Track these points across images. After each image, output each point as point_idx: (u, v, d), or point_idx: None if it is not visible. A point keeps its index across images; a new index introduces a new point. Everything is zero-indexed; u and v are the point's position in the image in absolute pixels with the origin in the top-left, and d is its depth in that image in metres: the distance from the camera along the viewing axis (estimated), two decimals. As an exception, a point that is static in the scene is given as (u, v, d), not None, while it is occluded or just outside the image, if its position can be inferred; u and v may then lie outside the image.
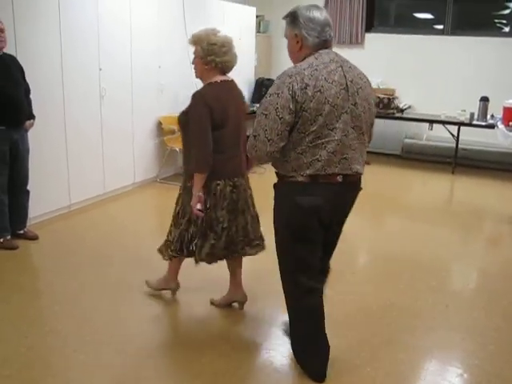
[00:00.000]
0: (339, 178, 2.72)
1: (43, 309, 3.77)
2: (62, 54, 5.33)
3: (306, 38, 2.71)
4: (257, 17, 9.05)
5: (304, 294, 2.95)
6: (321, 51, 2.72)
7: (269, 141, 2.63)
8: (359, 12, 9.35)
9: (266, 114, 2.63)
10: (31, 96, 4.75)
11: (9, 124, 4.50)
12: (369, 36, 9.52)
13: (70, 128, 5.54)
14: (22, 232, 4.90)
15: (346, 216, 3.01)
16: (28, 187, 4.85)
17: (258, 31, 9.32)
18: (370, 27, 9.57)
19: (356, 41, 9.49)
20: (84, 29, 5.58)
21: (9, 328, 3.45)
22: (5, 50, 4.46)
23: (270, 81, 9.02)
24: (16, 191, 4.75)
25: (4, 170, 4.58)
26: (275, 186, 2.89)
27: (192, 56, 3.39)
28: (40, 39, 5.06)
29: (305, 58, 2.72)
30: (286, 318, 3.20)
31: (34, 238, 4.91)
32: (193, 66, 3.38)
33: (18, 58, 4.64)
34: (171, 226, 3.57)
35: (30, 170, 4.83)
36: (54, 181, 5.41)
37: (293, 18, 2.75)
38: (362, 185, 2.93)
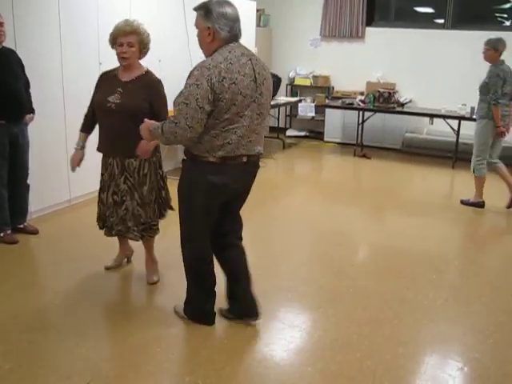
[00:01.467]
0: (244, 159, 3.07)
1: (44, 303, 3.77)
2: (62, 47, 5.31)
3: (219, 32, 2.93)
4: (257, 11, 9.03)
5: (199, 258, 3.36)
6: (232, 45, 2.97)
7: (189, 128, 2.87)
8: (359, 6, 9.34)
9: (186, 103, 2.84)
10: (31, 90, 4.74)
11: (9, 118, 4.49)
12: (369, 30, 9.51)
13: (69, 122, 5.52)
14: (22, 226, 4.90)
15: (248, 190, 3.34)
16: (28, 181, 4.85)
17: (258, 25, 9.31)
18: (370, 21, 9.55)
19: (356, 35, 9.48)
20: (84, 23, 5.56)
21: (10, 322, 3.46)
22: (4, 44, 4.44)
23: (271, 75, 8.99)
24: (16, 185, 4.75)
25: (4, 164, 4.57)
26: (184, 162, 3.17)
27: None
28: (40, 33, 5.05)
29: (216, 50, 2.95)
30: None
31: (35, 232, 4.91)
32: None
33: (18, 52, 4.62)
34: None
35: (29, 164, 4.82)
36: (54, 175, 5.41)
37: (206, 11, 2.94)
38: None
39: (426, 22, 9.31)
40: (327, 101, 9.48)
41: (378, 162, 8.41)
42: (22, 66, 4.62)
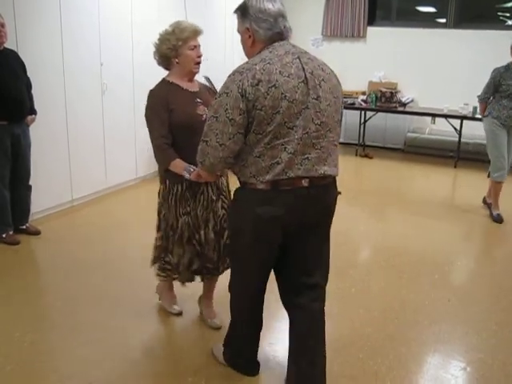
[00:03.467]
0: (304, 182, 2.43)
1: (45, 304, 3.77)
2: (63, 48, 5.31)
3: (257, 32, 2.48)
4: (258, 11, 9.01)
5: (241, 309, 2.87)
6: (275, 44, 2.48)
7: (221, 146, 2.38)
8: (361, 5, 9.32)
9: (216, 117, 2.38)
10: (32, 91, 4.74)
11: (10, 119, 4.50)
12: (371, 30, 9.49)
13: (71, 123, 5.53)
14: (24, 227, 4.90)
15: (324, 223, 2.67)
16: (30, 182, 4.86)
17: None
18: (372, 21, 9.54)
19: (358, 34, 9.46)
20: (85, 23, 5.56)
21: (11, 323, 3.46)
22: (6, 45, 4.45)
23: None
24: (18, 186, 4.75)
25: (6, 164, 4.58)
26: (235, 191, 2.61)
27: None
28: (41, 34, 5.05)
29: (259, 53, 2.47)
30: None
31: (36, 233, 4.92)
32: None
33: (19, 53, 4.63)
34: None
35: (31, 165, 4.82)
36: (56, 176, 5.41)
37: (243, 10, 2.52)
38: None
39: (427, 21, 9.29)
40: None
41: (380, 162, 8.41)
42: (24, 67, 4.63)
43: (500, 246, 5.21)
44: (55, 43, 5.23)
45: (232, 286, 2.82)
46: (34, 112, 4.77)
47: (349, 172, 8.08)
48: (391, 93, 8.53)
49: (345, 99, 9.00)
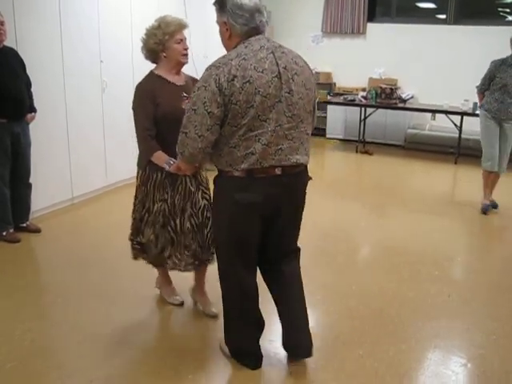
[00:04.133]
0: (278, 171, 2.61)
1: (46, 302, 3.78)
2: (63, 46, 5.31)
3: (234, 26, 2.58)
4: (258, 8, 9.00)
5: (237, 289, 2.91)
6: (251, 38, 2.59)
7: (199, 137, 2.51)
8: (361, 2, 9.32)
9: (194, 109, 2.51)
10: (32, 89, 4.74)
11: (10, 117, 4.50)
12: (371, 26, 9.48)
13: (71, 121, 5.53)
14: (24, 225, 4.91)
15: (296, 207, 2.87)
16: (30, 180, 4.86)
17: (259, 22, 9.28)
18: (371, 17, 9.53)
19: (358, 31, 9.46)
20: (85, 21, 5.56)
21: (12, 321, 3.46)
22: (5, 43, 4.44)
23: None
24: (18, 184, 4.76)
25: (6, 163, 4.58)
26: (214, 179, 2.77)
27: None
28: (40, 32, 5.05)
29: (236, 46, 2.59)
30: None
31: (37, 231, 4.92)
32: None
33: (19, 51, 4.63)
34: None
35: (31, 163, 4.83)
36: (56, 174, 5.41)
37: (221, 4, 2.62)
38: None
39: (427, 17, 9.29)
40: (329, 97, 9.46)
41: (381, 159, 8.40)
42: (23, 65, 4.62)
43: (501, 242, 5.21)
44: (55, 41, 5.23)
45: (221, 275, 2.92)
46: (33, 110, 4.77)
47: (349, 169, 8.09)
48: (391, 89, 8.53)
49: (345, 95, 9.04)
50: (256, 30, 2.61)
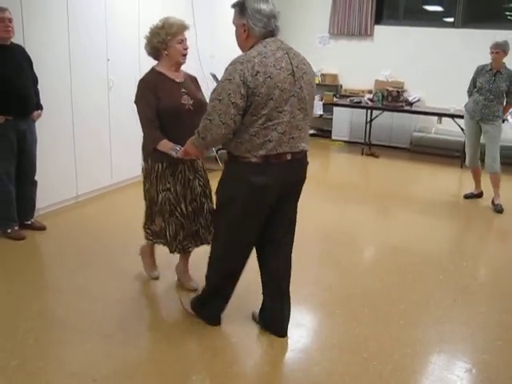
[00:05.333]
0: (288, 156, 2.93)
1: (50, 299, 3.78)
2: (70, 44, 5.31)
3: (253, 29, 2.87)
4: (265, 8, 8.99)
5: (231, 272, 3.26)
6: (267, 40, 2.88)
7: (223, 124, 2.77)
8: (368, 4, 9.30)
9: (219, 99, 2.75)
10: (39, 86, 4.74)
11: (16, 114, 4.50)
12: (378, 28, 9.47)
13: (77, 119, 5.54)
14: (29, 222, 4.91)
15: (299, 190, 3.21)
16: (35, 178, 4.86)
17: (266, 23, 9.27)
18: (379, 19, 9.52)
19: (365, 33, 9.44)
20: (92, 19, 5.56)
21: (16, 318, 3.46)
22: (12, 40, 4.45)
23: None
24: (23, 182, 4.76)
25: (12, 160, 4.58)
26: (227, 163, 3.05)
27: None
28: (48, 29, 5.05)
29: (252, 46, 2.87)
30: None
31: (42, 228, 4.92)
32: None
33: (26, 48, 4.63)
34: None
35: (37, 160, 4.82)
36: (61, 172, 5.41)
37: (241, 8, 2.89)
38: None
39: (435, 20, 9.26)
40: (335, 99, 9.44)
41: (386, 161, 8.38)
42: (30, 62, 4.62)
43: (507, 246, 5.18)
44: (62, 39, 5.23)
45: (217, 253, 3.24)
46: (40, 107, 4.77)
47: (354, 171, 8.07)
48: (398, 92, 8.51)
49: (351, 97, 9.03)
50: (271, 33, 2.91)
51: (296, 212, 3.30)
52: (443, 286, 4.13)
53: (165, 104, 3.42)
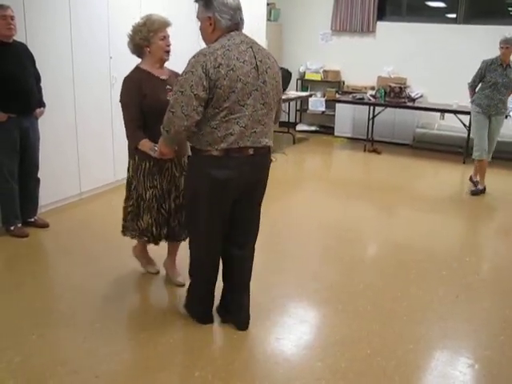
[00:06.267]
0: (251, 151, 2.94)
1: (53, 296, 3.79)
2: (72, 41, 5.31)
3: (220, 21, 2.88)
4: (267, 5, 8.99)
5: (207, 259, 3.25)
6: (232, 33, 2.90)
7: (185, 116, 2.78)
8: (371, 0, 9.28)
9: (181, 91, 2.78)
10: (41, 84, 4.74)
11: (19, 112, 4.50)
12: (380, 24, 9.45)
13: (80, 116, 5.54)
14: (32, 220, 4.91)
15: (260, 188, 3.19)
16: (38, 175, 4.86)
17: (268, 19, 9.26)
18: (381, 16, 9.50)
19: (368, 29, 9.43)
20: (94, 16, 5.56)
21: (20, 315, 3.47)
22: (15, 38, 4.45)
23: (281, 69, 8.94)
24: (26, 179, 4.76)
25: (15, 158, 4.59)
26: (189, 158, 3.11)
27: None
28: (50, 26, 5.05)
29: (217, 39, 2.88)
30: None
31: (45, 226, 4.93)
32: None
33: (28, 46, 4.63)
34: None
35: (40, 158, 4.83)
36: (64, 169, 5.42)
37: (206, 1, 2.91)
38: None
39: (437, 16, 9.24)
40: (338, 95, 9.44)
41: (389, 158, 8.38)
42: (33, 60, 4.63)
43: (510, 243, 5.18)
44: (64, 36, 5.23)
45: (193, 246, 3.27)
46: (42, 105, 4.77)
47: (357, 167, 8.07)
48: (400, 88, 8.50)
49: (354, 94, 9.01)
50: (236, 26, 2.93)
51: (259, 215, 3.29)
52: (446, 283, 4.12)
53: (150, 101, 3.44)
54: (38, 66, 4.68)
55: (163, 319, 3.49)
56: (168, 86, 3.48)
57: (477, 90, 6.52)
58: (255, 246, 3.36)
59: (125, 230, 3.82)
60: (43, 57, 4.88)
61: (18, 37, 4.52)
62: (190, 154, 3.54)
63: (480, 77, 6.42)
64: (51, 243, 4.69)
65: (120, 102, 3.53)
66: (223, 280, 3.39)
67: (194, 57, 2.82)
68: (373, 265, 4.47)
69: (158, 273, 4.08)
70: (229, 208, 3.10)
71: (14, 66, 4.40)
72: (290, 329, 3.42)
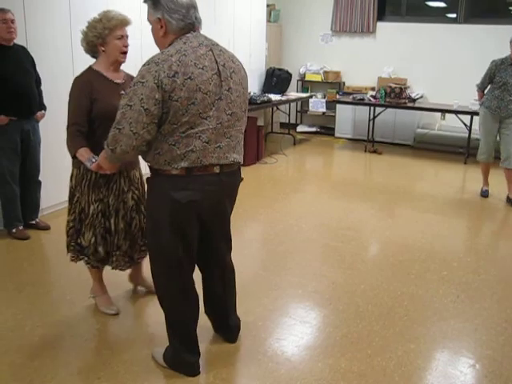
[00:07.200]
0: (216, 169, 2.57)
1: (55, 298, 3.80)
2: (73, 44, 5.32)
3: (170, 22, 2.51)
4: (267, 6, 9.01)
5: (178, 292, 2.82)
6: (188, 35, 2.54)
7: (134, 134, 2.40)
8: (371, 1, 9.29)
9: (130, 105, 2.40)
10: (42, 87, 4.76)
11: (20, 115, 4.52)
12: (380, 25, 9.46)
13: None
14: (33, 222, 4.93)
15: (229, 209, 2.86)
16: (40, 178, 4.88)
17: (268, 21, 9.28)
18: (381, 16, 9.50)
19: (367, 30, 9.43)
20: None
21: (21, 317, 3.48)
22: (15, 41, 4.47)
23: (282, 70, 9.00)
24: (27, 182, 4.78)
25: (16, 160, 4.60)
26: (148, 180, 2.68)
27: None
28: (50, 30, 5.07)
29: (171, 43, 2.52)
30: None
31: (46, 228, 4.95)
32: None
33: (29, 49, 4.65)
34: None
35: (41, 160, 4.85)
36: (65, 172, 5.36)
37: (154, 0, 2.54)
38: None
39: (437, 16, 9.24)
40: (338, 96, 9.45)
41: (390, 158, 8.38)
42: (33, 63, 4.65)
43: (510, 242, 5.18)
44: (64, 39, 5.25)
45: (157, 279, 2.83)
46: (43, 108, 4.79)
47: (358, 168, 8.07)
48: (400, 88, 8.49)
49: (354, 95, 9.01)
50: (192, 26, 2.56)
51: (229, 232, 2.99)
52: (447, 282, 4.13)
53: (100, 106, 3.10)
54: (38, 69, 4.70)
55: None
56: (122, 92, 3.09)
57: (486, 91, 6.29)
58: (232, 256, 3.11)
59: (68, 248, 3.43)
60: (44, 60, 4.90)
61: (19, 40, 4.54)
62: (139, 166, 3.37)
63: (489, 78, 6.15)
64: (52, 245, 4.70)
65: (68, 102, 3.18)
66: (204, 294, 3.12)
67: (144, 65, 2.46)
68: (374, 265, 4.47)
69: (117, 314, 3.55)
70: (195, 235, 2.71)
71: (14, 69, 4.42)
72: (290, 329, 3.42)
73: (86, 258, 3.38)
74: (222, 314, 3.17)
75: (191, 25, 2.55)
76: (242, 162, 2.77)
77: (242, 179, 2.85)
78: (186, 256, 2.71)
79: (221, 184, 2.62)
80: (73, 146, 3.12)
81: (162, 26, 2.54)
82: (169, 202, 2.54)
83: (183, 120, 2.43)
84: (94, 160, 2.98)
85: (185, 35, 2.53)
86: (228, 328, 3.21)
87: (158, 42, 2.62)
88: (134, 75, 3.27)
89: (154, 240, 2.74)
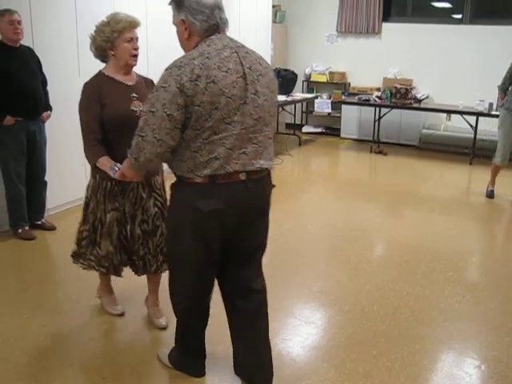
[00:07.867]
0: (242, 176, 2.42)
1: (60, 298, 3.81)
2: (79, 45, 5.33)
3: (194, 24, 2.41)
4: (273, 7, 9.01)
5: (191, 301, 2.76)
6: (213, 37, 2.43)
7: (158, 141, 2.32)
8: (376, 1, 9.28)
9: (153, 112, 2.31)
10: (48, 88, 4.77)
11: (26, 115, 4.54)
12: (386, 26, 9.44)
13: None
14: (39, 223, 4.95)
15: (261, 218, 2.66)
16: (45, 178, 4.90)
17: (274, 21, 9.28)
18: (387, 17, 9.48)
19: (373, 31, 9.42)
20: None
21: (27, 317, 3.49)
22: (22, 42, 4.48)
23: (287, 71, 8.99)
24: (33, 182, 4.80)
25: (22, 161, 4.62)
26: (172, 186, 2.57)
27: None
28: (56, 31, 5.09)
29: (196, 46, 2.42)
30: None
31: (52, 228, 4.96)
32: None
33: (35, 50, 4.67)
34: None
35: (47, 161, 4.86)
36: (71, 172, 5.44)
37: (178, 2, 2.45)
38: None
39: (443, 17, 9.22)
40: (343, 97, 9.44)
41: (395, 159, 8.36)
42: (40, 64, 4.66)
43: (516, 243, 5.18)
44: (70, 40, 5.26)
45: (173, 287, 2.77)
46: (49, 108, 4.80)
47: (363, 169, 8.06)
48: (406, 89, 8.48)
49: (360, 95, 9.00)
50: (217, 28, 2.46)
51: (259, 251, 2.76)
52: (453, 283, 4.12)
53: (111, 111, 3.02)
54: (44, 70, 4.71)
55: (170, 319, 3.47)
56: (134, 94, 3.08)
57: (507, 92, 6.08)
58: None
59: (77, 257, 3.35)
60: (50, 61, 4.92)
61: (25, 41, 4.56)
62: (162, 172, 3.25)
63: (510, 78, 6.00)
64: (58, 246, 4.71)
65: (78, 110, 3.12)
66: (230, 329, 2.85)
67: (166, 69, 2.36)
68: (379, 265, 4.47)
69: (122, 315, 3.56)
70: (217, 247, 2.57)
71: (21, 70, 4.43)
72: (296, 330, 3.42)
73: (102, 269, 3.29)
74: (249, 343, 2.82)
75: (216, 26, 2.45)
76: (272, 168, 2.61)
77: (273, 186, 2.65)
78: (206, 262, 2.60)
79: (247, 192, 2.47)
80: (92, 156, 3.06)
81: (186, 28, 2.44)
82: (191, 210, 2.43)
83: (206, 125, 2.32)
84: (116, 168, 2.88)
85: (209, 37, 2.43)
86: (258, 365, 2.84)
87: (183, 45, 2.53)
88: (145, 76, 3.33)
89: (174, 245, 2.65)
